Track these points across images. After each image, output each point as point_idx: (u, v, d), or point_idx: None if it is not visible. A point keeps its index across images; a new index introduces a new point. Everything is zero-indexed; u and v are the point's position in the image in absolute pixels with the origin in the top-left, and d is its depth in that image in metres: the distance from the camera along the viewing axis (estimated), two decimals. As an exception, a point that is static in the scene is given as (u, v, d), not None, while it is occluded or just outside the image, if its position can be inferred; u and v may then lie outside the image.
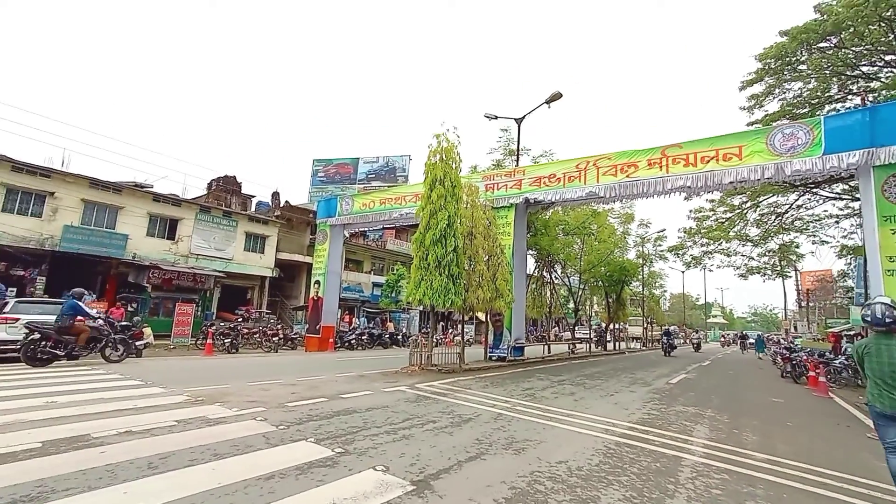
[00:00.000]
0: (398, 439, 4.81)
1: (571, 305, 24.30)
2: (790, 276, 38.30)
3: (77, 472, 3.44)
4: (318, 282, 18.39)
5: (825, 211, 23.71)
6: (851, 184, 21.62)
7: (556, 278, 20.75)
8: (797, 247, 22.86)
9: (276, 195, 31.06)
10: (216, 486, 3.30)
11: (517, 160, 15.89)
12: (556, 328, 36.54)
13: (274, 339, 17.47)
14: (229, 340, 16.27)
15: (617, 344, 25.99)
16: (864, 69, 17.64)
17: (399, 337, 23.95)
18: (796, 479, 4.42)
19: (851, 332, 21.33)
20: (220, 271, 22.94)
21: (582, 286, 22.80)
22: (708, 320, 72.88)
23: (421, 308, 31.09)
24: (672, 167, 11.24)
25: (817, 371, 12.85)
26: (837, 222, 24.20)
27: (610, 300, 23.15)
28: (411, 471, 3.87)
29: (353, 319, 26.15)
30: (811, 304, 47.77)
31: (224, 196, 28.09)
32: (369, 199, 17.47)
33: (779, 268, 24.32)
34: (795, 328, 49.71)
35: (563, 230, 18.66)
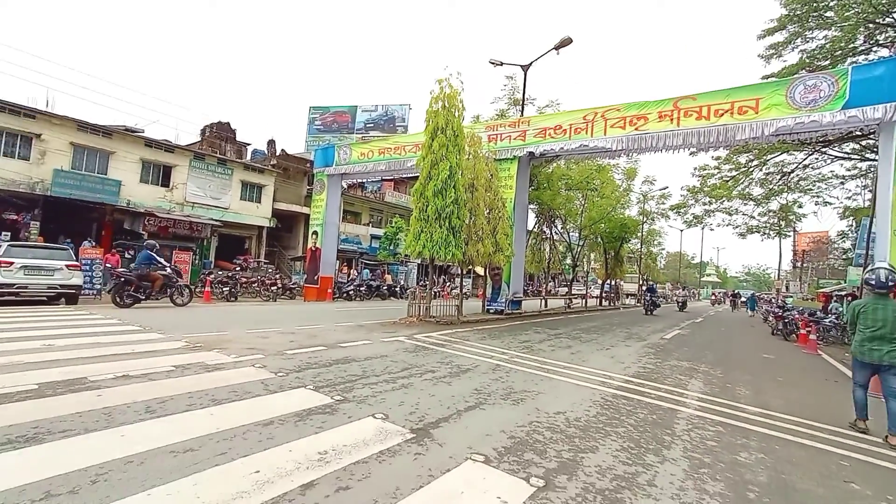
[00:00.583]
0: (397, 388, 4.82)
1: (569, 261, 24.35)
2: (788, 236, 38.30)
3: (73, 413, 3.42)
4: (315, 232, 18.21)
5: (832, 171, 23.32)
6: (863, 143, 21.18)
7: (556, 234, 20.59)
8: (800, 206, 22.59)
9: (271, 143, 30.20)
10: (215, 430, 3.29)
11: (522, 110, 15.24)
12: (552, 283, 36.90)
13: (272, 288, 17.55)
14: (228, 289, 16.33)
15: (612, 300, 26.35)
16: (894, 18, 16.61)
17: (397, 289, 24.14)
18: (788, 431, 4.49)
19: (843, 293, 21.62)
20: (216, 220, 22.67)
21: (581, 242, 22.69)
22: (702, 279, 73.79)
23: (419, 261, 31.28)
24: (683, 120, 10.78)
25: (808, 329, 13.06)
26: (843, 183, 23.91)
27: (608, 256, 23.17)
28: (410, 419, 3.88)
29: (352, 271, 26.24)
30: (805, 265, 48.21)
31: (218, 143, 27.28)
32: (368, 148, 16.93)
33: (778, 228, 24.18)
34: (787, 288, 50.52)
35: (565, 185, 18.27)
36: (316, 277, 17.99)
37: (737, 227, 23.20)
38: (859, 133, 19.37)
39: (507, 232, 12.13)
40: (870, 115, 8.81)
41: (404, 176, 32.21)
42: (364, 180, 32.15)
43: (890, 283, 4.64)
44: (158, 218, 19.83)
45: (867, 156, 21.96)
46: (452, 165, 10.27)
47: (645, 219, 24.76)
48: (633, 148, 11.64)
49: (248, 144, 30.65)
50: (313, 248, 18.22)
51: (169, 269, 12.01)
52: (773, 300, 35.65)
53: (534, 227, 19.16)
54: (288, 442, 3.19)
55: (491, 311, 13.92)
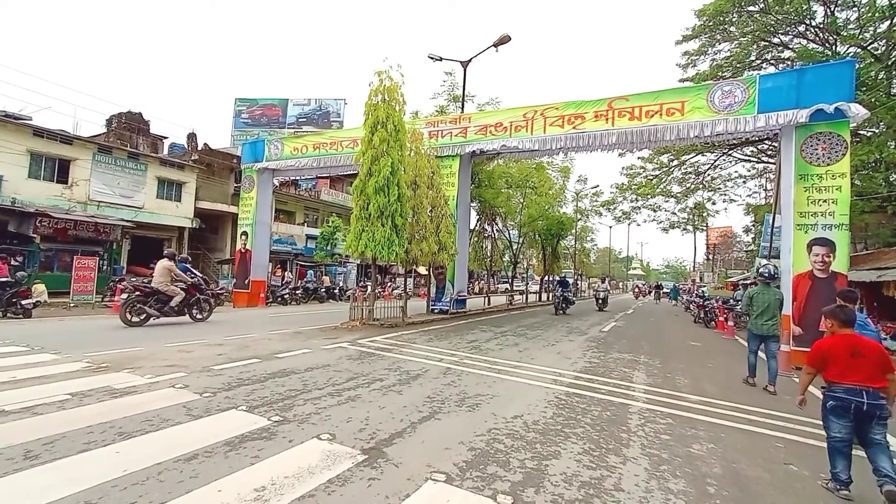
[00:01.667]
0: (343, 402, 4.41)
1: (507, 258, 24.83)
2: (703, 231, 42.10)
3: (-78, 469, 2.67)
4: (245, 233, 16.91)
5: (736, 171, 25.94)
6: (760, 147, 23.76)
7: (497, 231, 20.82)
8: (713, 203, 24.81)
9: (192, 137, 27.70)
10: (121, 473, 2.71)
11: (462, 106, 15.15)
12: (492, 280, 37.54)
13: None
14: (143, 297, 14.66)
15: (550, 295, 27.24)
16: (781, 38, 18.73)
17: (336, 291, 23.19)
18: (728, 417, 4.68)
19: (747, 282, 24.14)
20: (128, 221, 20.35)
21: (521, 240, 23.19)
22: (629, 272, 79.12)
23: (359, 261, 30.34)
24: (618, 120, 11.22)
25: (725, 316, 14.25)
26: (745, 182, 26.74)
27: (546, 253, 23.93)
28: (361, 437, 3.51)
29: (286, 273, 24.83)
30: (715, 258, 53.29)
31: (128, 136, 24.54)
32: (301, 143, 15.97)
33: (695, 223, 26.37)
34: (701, 278, 55.59)
35: (506, 182, 18.51)
36: (246, 281, 16.71)
37: (660, 222, 24.97)
38: (756, 139, 21.83)
39: (450, 230, 11.95)
40: (777, 121, 9.66)
41: (341, 174, 31.23)
42: (298, 177, 30.75)
43: (775, 276, 6.61)
44: (54, 219, 17.38)
45: (763, 158, 24.76)
46: (394, 161, 9.88)
47: (580, 216, 25.91)
48: (572, 146, 11.94)
49: (165, 138, 27.95)
50: (243, 250, 16.90)
51: (198, 280, 10.97)
52: (690, 290, 39.12)
53: (475, 225, 19.24)
54: (217, 479, 2.70)
55: (436, 311, 13.69)
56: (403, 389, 5.02)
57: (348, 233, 10.46)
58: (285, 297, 18.79)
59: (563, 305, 17.28)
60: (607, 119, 11.38)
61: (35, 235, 17.51)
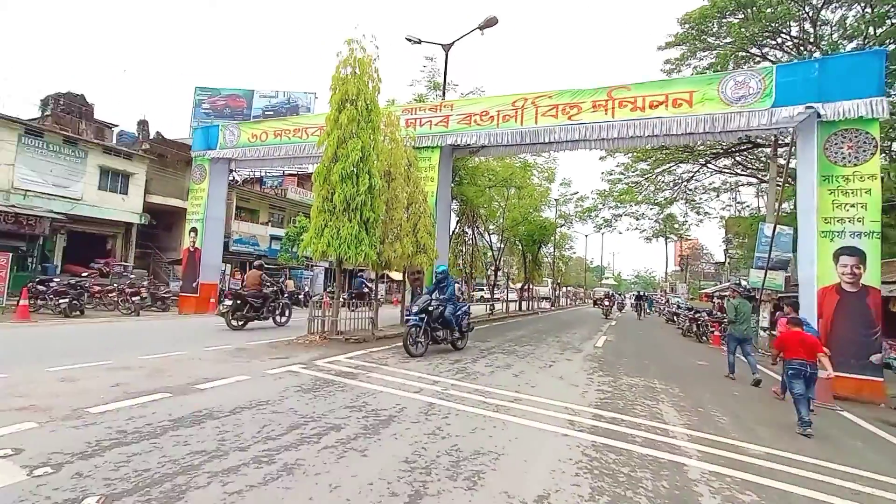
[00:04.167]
0: (273, 477, 2.81)
1: (484, 264, 23.48)
2: (675, 241, 42.10)
3: None
4: (194, 229, 14.89)
5: (711, 183, 25.58)
6: (738, 158, 23.54)
7: (478, 234, 19.38)
8: (686, 215, 24.38)
9: (143, 124, 25.23)
10: None
11: (444, 94, 13.72)
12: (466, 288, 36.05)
13: (134, 298, 13.85)
14: (67, 300, 12.45)
15: (530, 304, 26.09)
16: (758, 49, 18.40)
17: (301, 297, 21.22)
18: (823, 486, 3.36)
19: (724, 294, 23.65)
20: (60, 213, 17.84)
21: (502, 245, 21.86)
22: (602, 282, 79.39)
23: (326, 264, 28.31)
24: (618, 111, 10.04)
25: (721, 332, 13.30)
26: (717, 195, 26.49)
27: (527, 260, 22.72)
28: (287, 571, 1.94)
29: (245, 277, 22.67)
30: (687, 269, 53.84)
31: (68, 119, 21.89)
32: (260, 129, 14.14)
33: (677, 231, 25.81)
34: (673, 289, 56.06)
35: (490, 180, 17.10)
36: (194, 284, 14.68)
37: (643, 231, 24.22)
38: (742, 146, 21.48)
39: (429, 230, 10.47)
40: (794, 115, 8.67)
41: (305, 162, 29.23)
42: (262, 173, 28.60)
43: (750, 290, 9.91)
44: (-38, 208, 14.87)
45: (738, 171, 24.59)
46: (365, 145, 8.31)
47: (563, 221, 24.84)
48: (566, 138, 10.67)
49: (114, 126, 25.37)
50: (191, 249, 14.87)
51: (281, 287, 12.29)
52: (661, 301, 38.83)
53: (455, 226, 17.78)
54: None
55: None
56: (370, 446, 3.46)
57: (308, 228, 8.79)
58: (241, 303, 16.77)
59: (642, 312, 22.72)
60: (606, 110, 10.20)
61: (-64, 226, 14.94)
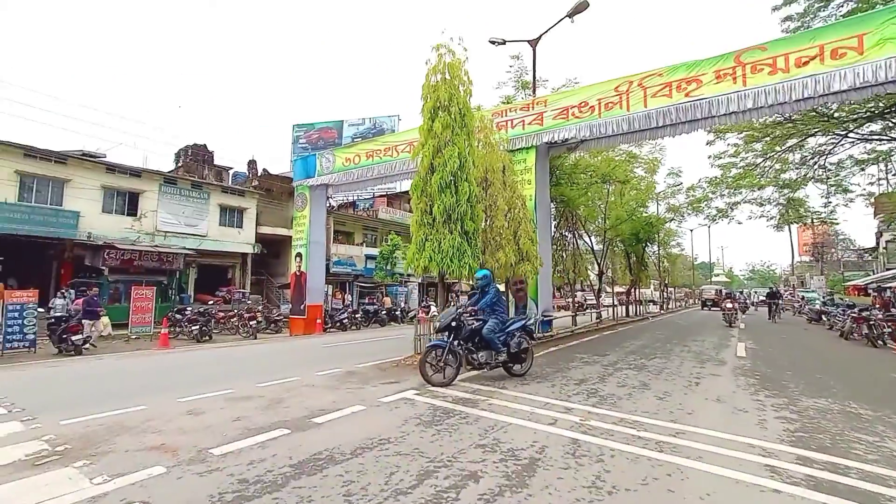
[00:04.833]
0: (414, 552, 2.25)
1: (588, 267, 21.72)
2: (807, 226, 35.87)
3: None
4: (299, 254, 15.70)
5: (851, 156, 20.90)
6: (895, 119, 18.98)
7: (580, 237, 17.94)
8: (846, 191, 20.16)
9: (252, 164, 27.89)
10: None
11: (534, 92, 12.91)
12: (559, 294, 33.96)
13: (251, 322, 14.90)
14: (198, 327, 13.73)
15: (637, 308, 23.69)
16: None
17: (398, 312, 21.51)
18: None
19: (890, 285, 19.03)
20: (191, 249, 20.13)
21: (605, 245, 20.03)
22: (711, 279, 71.11)
23: (419, 279, 28.65)
24: (751, 77, 8.43)
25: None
26: (862, 169, 21.60)
27: (631, 261, 20.64)
28: None
29: (346, 296, 23.65)
30: (823, 259, 45.74)
31: (196, 167, 24.93)
32: (353, 152, 14.55)
33: (822, 215, 21.65)
34: (803, 283, 47.91)
35: (591, 177, 15.69)
36: (302, 307, 15.41)
37: (770, 218, 20.70)
38: (891, 108, 17.27)
39: (531, 236, 9.65)
40: None
41: (398, 191, 30.03)
42: (355, 197, 29.97)
43: None
44: (119, 250, 17.28)
45: (892, 135, 19.81)
46: (462, 152, 7.84)
47: (672, 215, 22.16)
48: (683, 119, 9.25)
49: (230, 168, 28.36)
50: (298, 273, 15.68)
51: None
52: (790, 297, 32.92)
53: (554, 231, 16.65)
54: None
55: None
56: (519, 501, 2.77)
57: (409, 245, 8.49)
58: (344, 321, 17.33)
59: (777, 313, 20.19)
60: (735, 78, 8.63)
61: (104, 267, 17.54)
